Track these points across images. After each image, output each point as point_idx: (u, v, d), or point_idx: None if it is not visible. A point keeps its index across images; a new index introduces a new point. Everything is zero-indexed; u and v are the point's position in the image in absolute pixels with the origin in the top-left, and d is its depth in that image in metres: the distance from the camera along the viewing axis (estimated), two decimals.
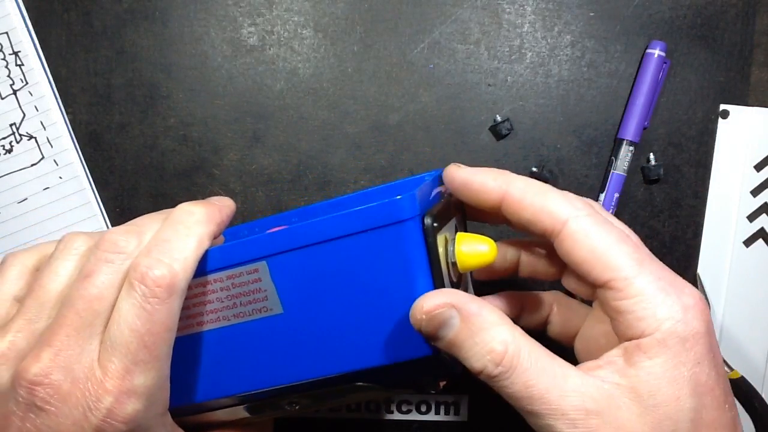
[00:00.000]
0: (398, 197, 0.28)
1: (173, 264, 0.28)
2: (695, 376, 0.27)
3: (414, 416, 0.46)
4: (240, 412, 0.34)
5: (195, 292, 0.31)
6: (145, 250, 0.29)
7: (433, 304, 0.28)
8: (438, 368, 0.31)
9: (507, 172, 0.31)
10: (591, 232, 0.28)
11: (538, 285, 0.46)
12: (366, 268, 0.29)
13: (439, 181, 0.35)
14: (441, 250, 0.30)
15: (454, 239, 0.31)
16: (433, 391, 0.33)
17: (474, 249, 0.31)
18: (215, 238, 0.32)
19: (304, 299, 0.30)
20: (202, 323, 0.32)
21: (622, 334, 0.28)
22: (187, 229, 0.30)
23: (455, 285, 0.32)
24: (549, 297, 0.37)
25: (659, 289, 0.27)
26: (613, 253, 0.28)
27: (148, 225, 0.31)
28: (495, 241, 0.32)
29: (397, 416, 0.46)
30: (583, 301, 0.37)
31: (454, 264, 0.31)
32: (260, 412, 0.34)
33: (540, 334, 0.35)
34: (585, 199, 0.31)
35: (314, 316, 0.30)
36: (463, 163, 0.45)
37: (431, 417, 0.46)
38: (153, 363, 0.28)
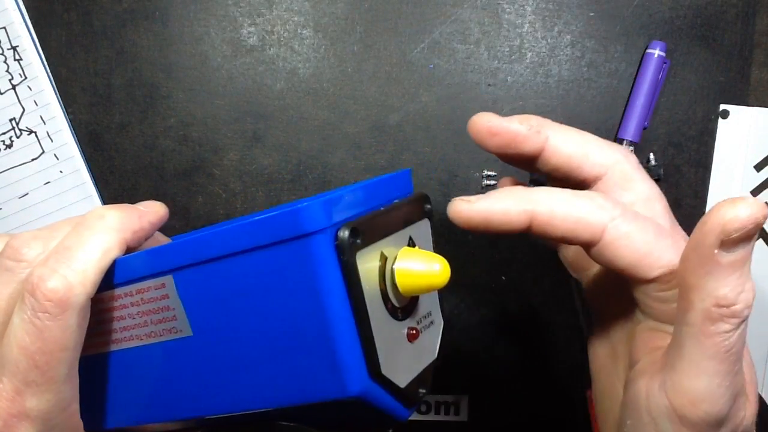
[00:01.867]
0: (303, 204, 0.23)
1: (68, 275, 0.25)
2: None
3: (414, 416, 0.46)
4: None
5: (106, 306, 0.28)
6: (44, 258, 0.26)
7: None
8: (372, 412, 0.26)
9: (523, 190, 0.27)
10: (631, 235, 0.27)
11: (553, 295, 0.47)
12: (273, 289, 0.25)
13: (400, 181, 0.30)
14: (372, 266, 0.26)
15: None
16: None
17: (417, 268, 0.26)
18: (136, 246, 0.29)
19: (212, 321, 0.26)
20: (117, 341, 0.29)
21: (671, 317, 0.27)
22: (93, 236, 0.27)
23: (399, 310, 0.27)
24: None
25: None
26: (656, 251, 0.27)
27: (60, 230, 0.28)
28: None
29: None
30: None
31: (397, 286, 0.27)
32: None
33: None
34: (609, 196, 0.28)
35: (223, 342, 0.26)
36: (463, 162, 0.45)
37: (431, 417, 0.46)
38: (47, 385, 0.26)
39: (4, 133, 0.44)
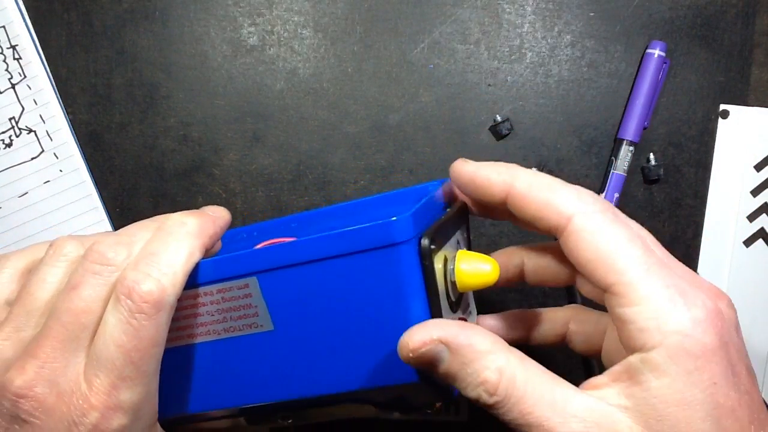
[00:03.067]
0: (393, 219, 0.27)
1: (161, 278, 0.28)
2: (711, 397, 0.24)
3: (414, 416, 0.46)
4: (234, 422, 0.34)
5: (184, 304, 0.31)
6: (133, 262, 0.28)
7: (420, 341, 0.26)
8: (432, 392, 0.30)
9: (514, 166, 0.30)
10: (597, 230, 0.27)
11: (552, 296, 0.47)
12: (359, 289, 0.28)
13: (442, 191, 0.33)
14: (439, 267, 0.29)
15: (454, 257, 0.30)
16: (428, 411, 0.33)
17: (475, 268, 0.30)
18: (208, 250, 0.31)
19: (294, 317, 0.29)
20: (192, 336, 0.31)
21: (625, 344, 0.26)
22: (178, 242, 0.29)
23: (454, 304, 0.31)
24: (563, 312, 0.35)
25: (667, 298, 0.25)
26: (619, 255, 0.26)
27: (138, 235, 0.30)
28: (494, 251, 0.31)
29: (397, 416, 0.46)
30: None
31: (454, 283, 0.30)
32: (254, 423, 0.34)
33: (566, 350, 0.35)
34: (600, 197, 0.29)
35: (305, 335, 0.30)
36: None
37: (431, 417, 0.46)
38: (140, 379, 0.28)
39: (3, 132, 0.44)
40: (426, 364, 0.26)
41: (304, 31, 0.45)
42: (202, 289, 0.30)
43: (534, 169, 0.33)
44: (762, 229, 0.46)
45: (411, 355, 0.26)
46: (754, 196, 0.46)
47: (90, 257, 0.29)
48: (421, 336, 0.26)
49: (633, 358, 0.25)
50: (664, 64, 0.45)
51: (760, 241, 0.46)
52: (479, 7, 0.45)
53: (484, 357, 0.26)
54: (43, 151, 0.45)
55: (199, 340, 0.31)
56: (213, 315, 0.30)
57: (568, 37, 0.45)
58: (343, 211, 0.38)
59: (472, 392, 0.26)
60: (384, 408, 0.32)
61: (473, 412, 0.46)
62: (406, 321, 0.28)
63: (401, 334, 0.27)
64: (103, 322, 0.28)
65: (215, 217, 0.32)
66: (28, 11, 0.44)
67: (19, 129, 0.44)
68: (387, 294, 0.28)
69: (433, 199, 0.32)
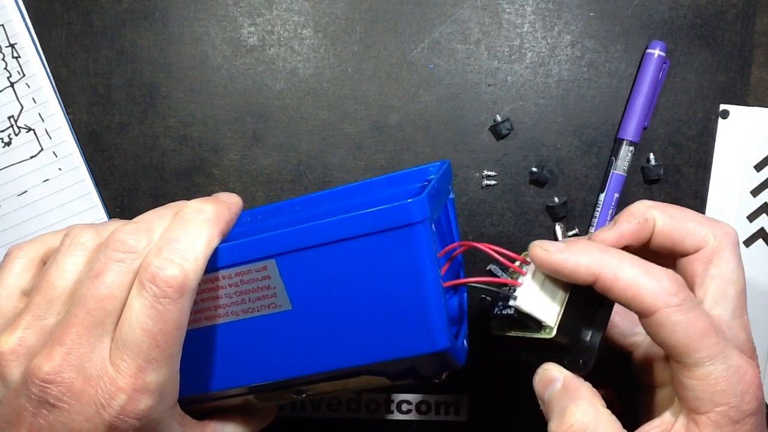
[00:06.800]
0: (409, 200, 0.29)
1: (184, 264, 0.29)
2: None
3: (414, 416, 0.46)
4: (247, 399, 0.35)
5: (204, 288, 0.31)
6: (155, 249, 0.29)
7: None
8: (445, 362, 0.32)
9: (595, 250, 0.31)
10: (676, 324, 0.29)
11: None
12: (376, 267, 0.30)
13: (448, 176, 0.35)
14: None
15: None
16: (436, 381, 0.34)
17: None
18: (224, 235, 0.32)
19: (312, 296, 0.31)
20: (211, 318, 0.32)
21: (680, 398, 0.30)
22: (197, 228, 0.30)
23: None
24: None
25: (723, 377, 0.29)
26: (694, 346, 0.29)
27: (156, 222, 0.31)
28: None
29: (397, 416, 0.46)
30: None
31: None
32: (267, 401, 0.35)
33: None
34: (682, 283, 0.30)
35: (323, 313, 0.31)
36: (464, 162, 0.45)
37: (431, 417, 0.46)
38: (165, 361, 0.29)
39: (2, 131, 0.44)
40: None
41: (304, 31, 0.45)
42: (221, 273, 0.31)
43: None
44: (762, 229, 0.46)
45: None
46: (754, 196, 0.46)
47: (112, 245, 0.29)
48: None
49: (686, 417, 0.30)
50: (664, 64, 0.45)
51: (760, 241, 0.46)
52: (479, 7, 0.45)
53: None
54: (42, 149, 0.45)
55: (217, 321, 0.32)
56: (231, 297, 0.31)
57: (568, 37, 0.45)
58: (346, 193, 0.39)
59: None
60: (395, 378, 0.33)
61: (473, 412, 0.46)
62: (422, 295, 0.30)
63: (417, 308, 0.30)
64: (127, 307, 0.29)
65: (230, 203, 0.33)
66: (28, 11, 0.44)
67: (18, 127, 0.44)
68: (404, 270, 0.29)
69: (440, 180, 0.33)
